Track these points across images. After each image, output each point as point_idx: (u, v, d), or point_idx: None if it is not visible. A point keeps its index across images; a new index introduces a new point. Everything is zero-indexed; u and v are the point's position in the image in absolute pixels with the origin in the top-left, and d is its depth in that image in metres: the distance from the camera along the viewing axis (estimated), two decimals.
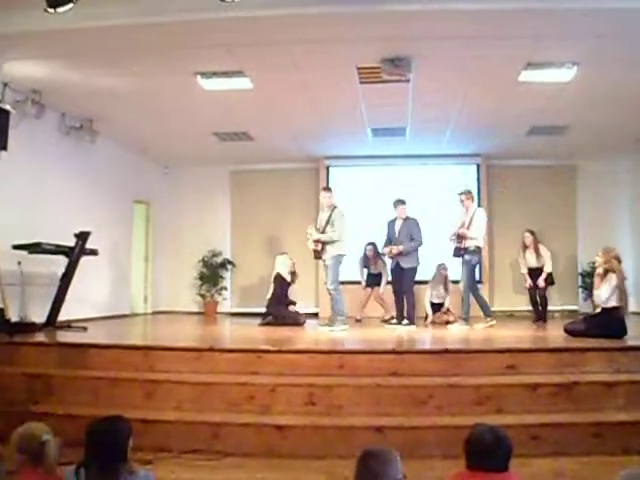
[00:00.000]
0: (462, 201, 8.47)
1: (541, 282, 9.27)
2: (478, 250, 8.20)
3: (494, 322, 8.21)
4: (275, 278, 9.26)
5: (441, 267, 9.66)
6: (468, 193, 8.52)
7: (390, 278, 9.02)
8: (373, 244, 9.98)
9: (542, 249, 9.44)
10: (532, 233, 9.55)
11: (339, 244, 7.93)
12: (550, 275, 9.42)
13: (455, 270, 9.06)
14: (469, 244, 8.10)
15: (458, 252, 8.22)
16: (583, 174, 11.62)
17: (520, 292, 11.08)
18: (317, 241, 7.94)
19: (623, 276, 6.56)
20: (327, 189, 8.42)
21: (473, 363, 5.47)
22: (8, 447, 2.80)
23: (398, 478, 2.37)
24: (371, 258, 10.10)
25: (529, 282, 9.45)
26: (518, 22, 5.70)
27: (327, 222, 7.96)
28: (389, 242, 8.66)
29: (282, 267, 9.30)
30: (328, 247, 7.92)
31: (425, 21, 5.74)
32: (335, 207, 8.09)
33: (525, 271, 9.54)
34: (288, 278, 9.32)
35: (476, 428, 2.67)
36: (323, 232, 7.94)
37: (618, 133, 9.70)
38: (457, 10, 5.45)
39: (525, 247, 9.56)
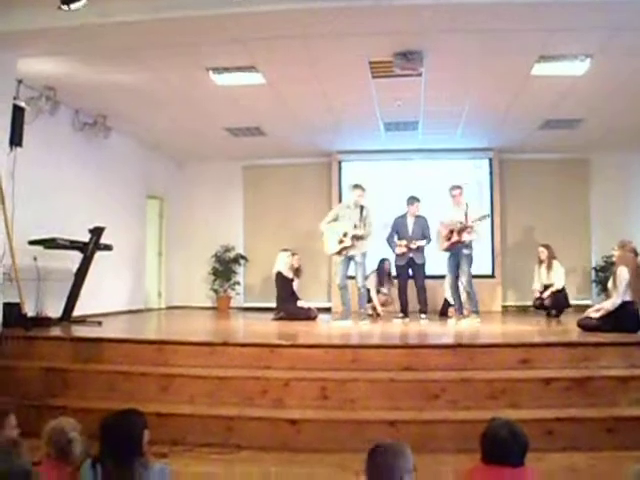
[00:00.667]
0: (454, 196, 8.34)
1: (545, 297, 9.09)
2: (471, 244, 8.19)
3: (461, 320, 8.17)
4: (276, 277, 9.28)
5: None
6: (460, 188, 8.42)
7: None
8: (388, 260, 9.97)
9: (555, 265, 9.18)
10: (547, 247, 9.33)
11: (367, 242, 8.15)
12: (561, 294, 9.08)
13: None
14: (466, 238, 8.07)
15: (454, 246, 8.17)
16: (596, 167, 11.50)
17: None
18: (355, 237, 8.05)
19: (636, 269, 6.51)
20: (362, 187, 8.35)
21: (486, 357, 5.46)
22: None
23: (409, 470, 2.37)
24: (385, 274, 10.14)
25: (536, 295, 9.31)
26: (530, 15, 5.66)
27: (361, 219, 8.08)
28: (400, 238, 8.82)
29: (282, 265, 9.30)
30: (359, 244, 8.06)
31: (437, 14, 5.71)
32: (363, 205, 8.22)
33: (536, 287, 9.32)
34: (289, 275, 9.32)
35: (492, 422, 2.67)
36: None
37: (632, 126, 9.61)
38: (469, 3, 5.43)
39: (540, 262, 9.37)
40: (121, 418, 2.79)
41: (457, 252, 8.17)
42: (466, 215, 8.10)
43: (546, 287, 9.19)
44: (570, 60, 6.89)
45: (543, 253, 9.33)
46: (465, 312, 8.40)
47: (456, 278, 8.30)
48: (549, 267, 9.21)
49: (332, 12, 5.62)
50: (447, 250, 8.28)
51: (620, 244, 6.75)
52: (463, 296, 8.35)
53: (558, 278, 9.12)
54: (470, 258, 8.15)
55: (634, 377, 5.05)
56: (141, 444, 2.73)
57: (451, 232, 8.13)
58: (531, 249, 11.22)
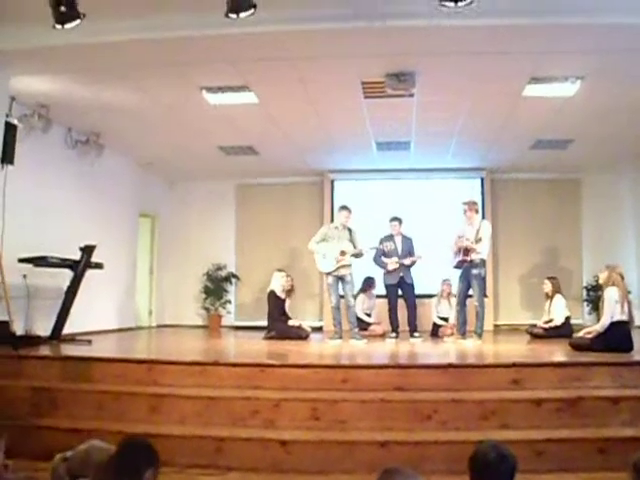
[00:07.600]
0: (465, 211, 8.26)
1: (540, 327, 8.91)
2: (483, 263, 8.15)
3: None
4: (268, 295, 9.30)
5: (445, 282, 9.70)
6: (473, 204, 8.37)
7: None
8: (373, 279, 10.14)
9: (556, 299, 8.96)
10: (552, 280, 9.14)
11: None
12: (561, 329, 8.57)
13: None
14: (474, 257, 8.04)
15: (461, 265, 8.16)
16: (587, 187, 11.60)
17: (524, 307, 11.08)
18: (354, 255, 8.32)
19: (625, 290, 6.56)
20: (348, 209, 8.48)
21: (478, 378, 5.43)
22: None
23: None
24: (368, 292, 10.28)
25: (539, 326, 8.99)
26: (522, 37, 5.73)
27: (351, 239, 8.29)
28: (388, 257, 8.82)
29: (276, 285, 9.32)
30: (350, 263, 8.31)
31: (429, 36, 5.78)
32: (350, 228, 8.39)
33: (543, 319, 9.03)
34: (282, 295, 9.33)
35: (480, 445, 2.66)
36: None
37: (622, 147, 9.71)
38: (461, 26, 5.47)
39: (547, 296, 9.20)
40: (128, 451, 2.58)
41: (467, 272, 8.12)
42: (477, 233, 8.07)
43: (546, 322, 8.95)
44: (561, 82, 6.96)
45: (547, 286, 9.16)
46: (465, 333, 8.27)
47: (464, 297, 8.26)
48: (552, 301, 9.04)
49: (324, 33, 5.68)
50: (457, 267, 8.24)
51: (606, 267, 6.78)
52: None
53: (557, 313, 8.87)
54: (479, 278, 8.03)
55: (625, 397, 5.03)
56: None
57: (459, 250, 8.12)
58: (523, 268, 11.28)
